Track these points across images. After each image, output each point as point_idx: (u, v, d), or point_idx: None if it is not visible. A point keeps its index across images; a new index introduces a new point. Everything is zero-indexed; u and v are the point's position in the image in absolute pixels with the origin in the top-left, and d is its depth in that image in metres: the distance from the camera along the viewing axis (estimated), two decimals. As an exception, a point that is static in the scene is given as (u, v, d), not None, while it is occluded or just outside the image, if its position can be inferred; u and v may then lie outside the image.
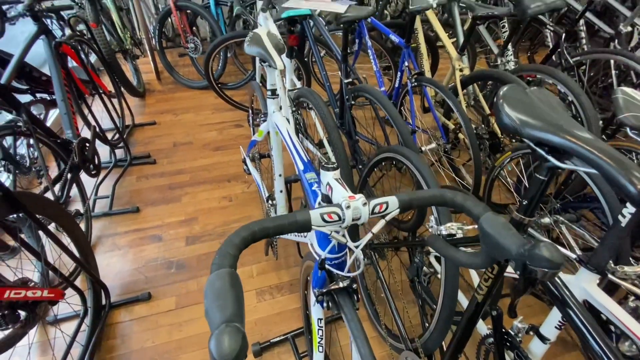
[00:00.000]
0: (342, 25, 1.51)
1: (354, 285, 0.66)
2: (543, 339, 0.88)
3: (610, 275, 0.95)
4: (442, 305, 0.95)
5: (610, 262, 0.99)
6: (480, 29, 2.11)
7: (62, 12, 1.79)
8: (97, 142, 1.77)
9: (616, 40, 2.06)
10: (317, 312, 0.73)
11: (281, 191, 1.32)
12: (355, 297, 0.67)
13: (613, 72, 1.91)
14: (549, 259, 0.44)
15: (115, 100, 2.23)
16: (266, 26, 1.87)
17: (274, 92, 1.13)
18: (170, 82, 2.99)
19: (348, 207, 0.51)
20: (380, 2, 3.09)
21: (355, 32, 1.96)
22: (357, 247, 0.56)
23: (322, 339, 0.74)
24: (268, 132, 1.29)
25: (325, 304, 0.68)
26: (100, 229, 1.75)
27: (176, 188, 2.00)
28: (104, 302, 1.38)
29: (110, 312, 1.41)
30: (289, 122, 1.12)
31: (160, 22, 2.72)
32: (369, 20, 1.92)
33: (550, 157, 0.58)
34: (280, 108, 1.17)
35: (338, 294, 0.66)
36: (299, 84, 2.05)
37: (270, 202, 1.39)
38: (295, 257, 1.64)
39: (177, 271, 1.57)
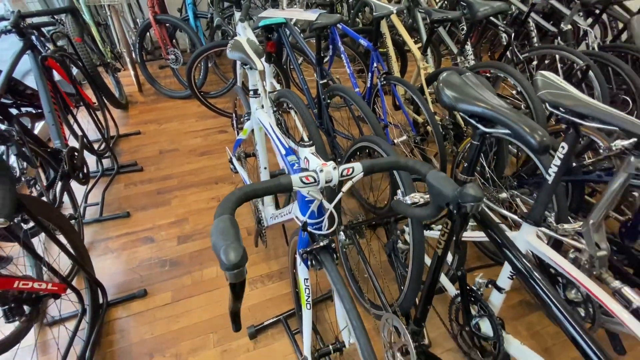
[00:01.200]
0: (314, 31, 1.66)
1: (333, 245, 0.79)
2: (499, 289, 1.03)
3: (552, 233, 1.12)
4: (411, 267, 1.08)
5: (553, 221, 1.16)
6: (441, 31, 2.32)
7: (43, 29, 1.86)
8: (85, 152, 1.83)
9: (559, 37, 2.31)
10: (302, 272, 0.85)
11: (267, 183, 1.43)
12: (335, 255, 0.79)
13: (559, 65, 2.15)
14: (473, 194, 0.58)
15: (99, 112, 2.29)
16: (245, 35, 2.00)
17: (255, 92, 1.25)
18: (152, 94, 3.06)
19: (321, 171, 0.64)
20: (352, 11, 3.29)
21: (328, 38, 2.11)
22: (330, 204, 0.68)
23: (309, 296, 0.85)
24: (252, 130, 1.41)
25: (309, 262, 0.79)
26: (92, 234, 1.80)
27: (165, 192, 2.07)
28: (101, 300, 1.44)
29: (108, 309, 1.47)
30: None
31: (140, 36, 2.80)
32: (340, 26, 2.08)
33: (479, 125, 0.73)
34: (263, 107, 1.30)
35: (320, 252, 0.78)
36: (278, 87, 2.18)
37: (257, 195, 1.50)
38: (284, 248, 1.75)
39: (171, 268, 1.65)
